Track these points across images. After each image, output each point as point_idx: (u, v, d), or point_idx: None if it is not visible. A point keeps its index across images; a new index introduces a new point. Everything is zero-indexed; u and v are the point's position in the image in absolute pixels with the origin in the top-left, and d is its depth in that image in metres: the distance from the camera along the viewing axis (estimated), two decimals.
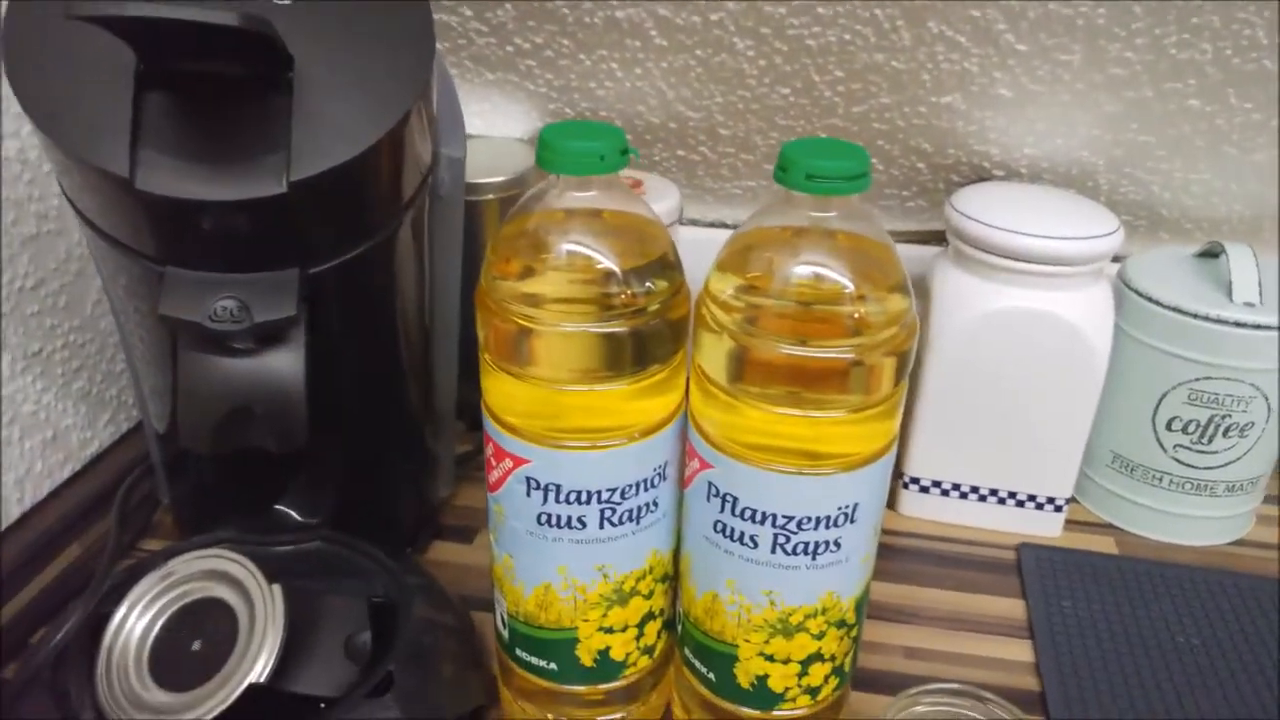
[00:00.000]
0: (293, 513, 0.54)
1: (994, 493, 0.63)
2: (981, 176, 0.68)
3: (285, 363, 0.41)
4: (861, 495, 0.39)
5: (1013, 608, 0.58)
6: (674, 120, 0.68)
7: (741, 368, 0.37)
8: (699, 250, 0.53)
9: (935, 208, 0.71)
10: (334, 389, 0.47)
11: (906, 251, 0.71)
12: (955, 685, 0.41)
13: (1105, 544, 0.63)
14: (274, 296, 0.40)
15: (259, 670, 0.41)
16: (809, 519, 0.38)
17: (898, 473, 0.65)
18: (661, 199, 0.64)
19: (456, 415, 0.62)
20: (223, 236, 0.39)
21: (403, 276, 0.49)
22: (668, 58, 0.64)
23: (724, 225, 0.76)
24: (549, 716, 0.46)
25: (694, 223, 0.77)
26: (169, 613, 0.44)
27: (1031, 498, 0.63)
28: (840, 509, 0.39)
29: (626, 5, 0.61)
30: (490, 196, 0.65)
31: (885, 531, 0.64)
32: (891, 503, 0.66)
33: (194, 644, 0.42)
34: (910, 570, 0.60)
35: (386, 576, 0.49)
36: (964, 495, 0.64)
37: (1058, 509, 0.63)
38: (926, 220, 0.72)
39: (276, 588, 0.43)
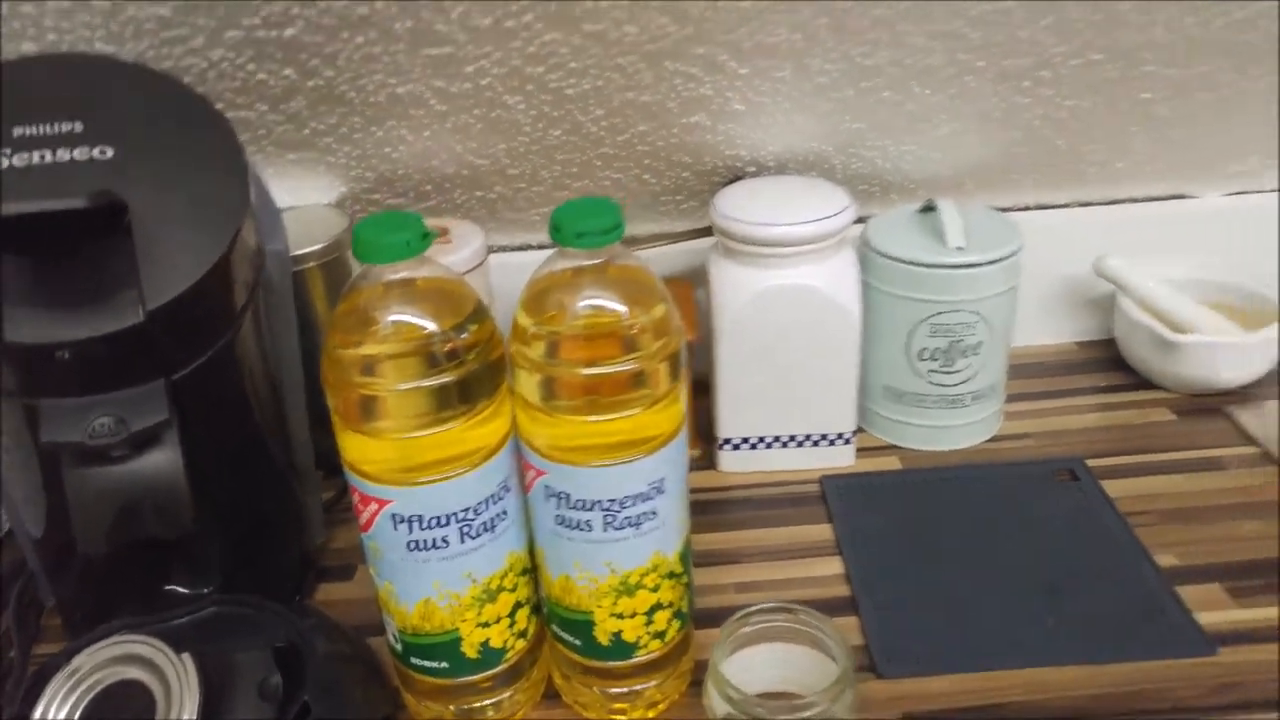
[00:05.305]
0: (183, 589, 0.57)
1: (793, 438, 0.74)
2: (738, 175, 0.79)
3: (164, 459, 0.47)
4: (665, 470, 0.48)
5: (822, 532, 0.69)
6: (466, 169, 0.76)
7: (551, 390, 0.46)
8: (509, 273, 0.61)
9: (705, 207, 0.81)
10: (208, 470, 0.53)
11: (687, 247, 0.82)
12: (771, 605, 0.51)
13: (891, 463, 0.76)
14: (146, 405, 0.46)
15: None
16: (628, 498, 0.48)
17: (713, 436, 0.75)
18: (469, 243, 0.71)
19: (315, 465, 0.67)
20: (93, 365, 0.44)
21: (251, 361, 0.55)
22: (450, 119, 0.72)
23: (529, 247, 0.84)
24: (450, 708, 0.54)
25: (502, 249, 0.84)
26: (85, 703, 0.45)
27: (824, 436, 0.74)
28: (651, 485, 0.48)
29: (405, 82, 0.69)
30: (311, 264, 0.70)
31: (710, 488, 0.74)
32: (712, 463, 0.76)
33: None
34: (734, 518, 0.71)
35: (284, 623, 0.53)
36: (769, 445, 0.74)
37: (847, 441, 0.74)
38: (699, 219, 0.82)
39: (186, 656, 0.46)
